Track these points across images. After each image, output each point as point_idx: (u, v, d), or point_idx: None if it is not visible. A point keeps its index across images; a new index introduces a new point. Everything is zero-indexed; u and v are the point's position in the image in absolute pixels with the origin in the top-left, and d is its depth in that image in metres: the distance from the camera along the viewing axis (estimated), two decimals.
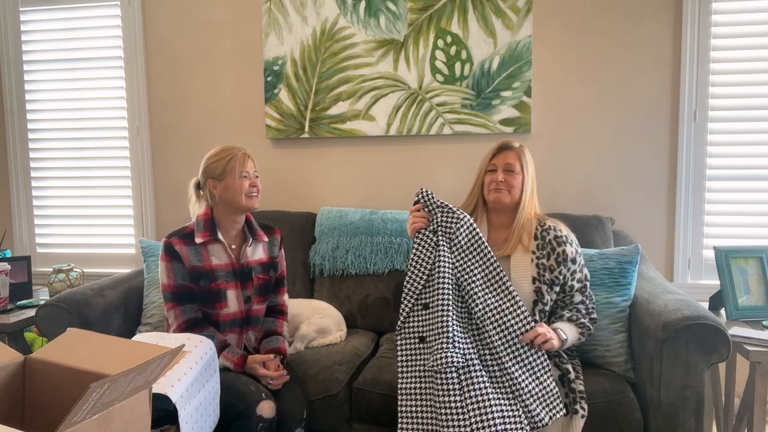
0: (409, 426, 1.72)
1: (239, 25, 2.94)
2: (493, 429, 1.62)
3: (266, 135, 2.93)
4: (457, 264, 1.86)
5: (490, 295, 1.84)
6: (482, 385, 1.69)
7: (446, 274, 1.84)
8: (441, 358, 1.71)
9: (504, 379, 1.75)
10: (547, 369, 1.79)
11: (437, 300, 1.81)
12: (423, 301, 1.86)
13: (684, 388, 1.79)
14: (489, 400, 1.67)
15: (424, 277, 1.86)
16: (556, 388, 1.78)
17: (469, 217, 1.90)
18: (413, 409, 1.74)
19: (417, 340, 1.83)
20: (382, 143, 2.87)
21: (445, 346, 1.73)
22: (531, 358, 1.78)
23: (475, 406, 1.66)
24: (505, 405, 1.69)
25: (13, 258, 2.78)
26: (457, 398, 1.67)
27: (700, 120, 2.60)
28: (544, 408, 1.73)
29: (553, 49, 2.70)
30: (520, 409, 1.70)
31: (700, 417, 1.80)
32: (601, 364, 2.04)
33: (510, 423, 1.66)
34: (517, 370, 1.75)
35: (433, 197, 1.92)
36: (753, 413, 1.92)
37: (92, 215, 3.20)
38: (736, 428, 2.15)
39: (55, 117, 3.18)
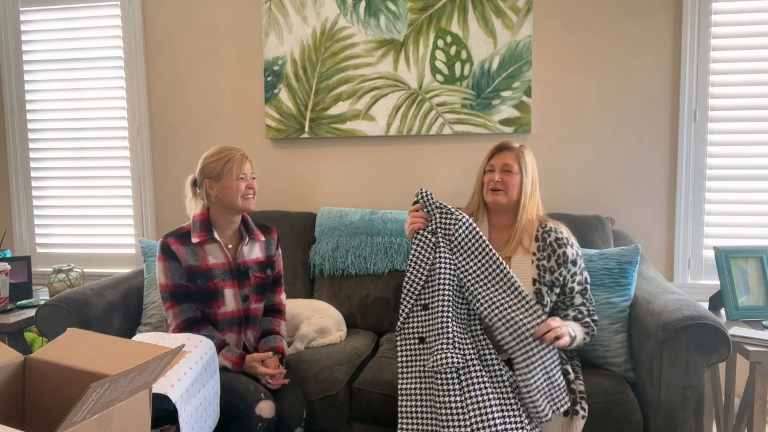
0: (410, 426, 1.72)
1: (239, 25, 2.94)
2: (493, 429, 1.62)
3: (266, 135, 2.93)
4: (458, 266, 1.85)
5: (496, 294, 1.82)
6: (482, 386, 1.69)
7: (445, 276, 1.83)
8: (441, 359, 1.71)
9: (509, 375, 1.75)
10: (557, 364, 1.78)
11: (437, 301, 1.81)
12: (422, 302, 1.85)
13: (684, 388, 1.79)
14: (489, 400, 1.67)
15: (423, 278, 1.85)
16: (564, 382, 1.78)
17: (467, 217, 1.89)
18: (413, 409, 1.74)
19: (417, 341, 1.83)
20: (382, 143, 2.87)
21: (444, 347, 1.73)
22: (542, 353, 1.75)
23: (475, 406, 1.66)
24: (505, 405, 1.69)
25: (13, 258, 2.79)
26: (457, 399, 1.67)
27: (700, 120, 2.60)
28: (548, 403, 1.73)
29: (553, 49, 2.70)
30: (521, 409, 1.70)
31: (700, 417, 1.80)
32: (601, 364, 2.04)
33: (510, 423, 1.66)
34: (528, 366, 1.72)
35: (432, 198, 1.91)
36: (753, 413, 1.92)
37: (92, 215, 3.20)
38: (736, 428, 2.15)
39: (55, 117, 3.18)
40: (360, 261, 2.56)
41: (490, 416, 1.64)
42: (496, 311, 1.79)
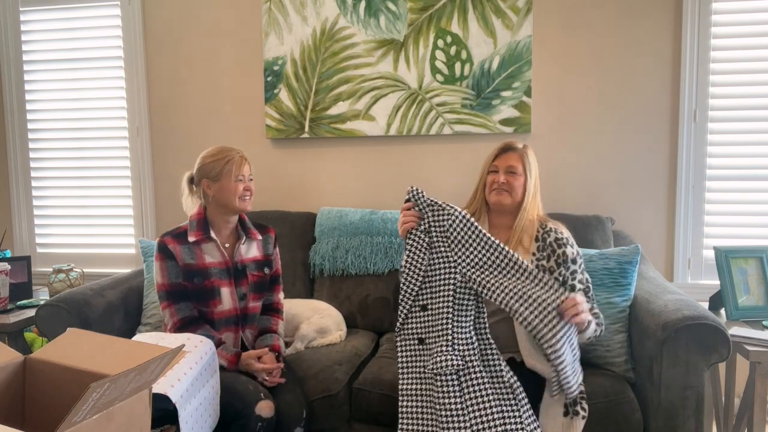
0: (410, 427, 1.72)
1: (239, 25, 2.94)
2: (493, 431, 1.62)
3: (266, 135, 2.93)
4: (459, 260, 1.82)
5: (504, 278, 1.78)
6: (482, 387, 1.69)
7: (444, 276, 1.81)
8: (440, 361, 1.70)
9: (510, 375, 1.74)
10: (574, 332, 1.75)
11: (436, 302, 1.80)
12: (421, 303, 1.84)
13: (684, 388, 1.79)
14: (489, 401, 1.67)
15: (419, 278, 1.83)
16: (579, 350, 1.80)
17: (459, 210, 1.86)
18: (414, 410, 1.74)
19: (416, 342, 1.83)
20: (382, 143, 2.87)
21: (444, 349, 1.72)
22: (566, 326, 1.71)
23: (475, 407, 1.66)
24: (505, 406, 1.69)
25: (13, 258, 2.79)
26: (457, 401, 1.67)
27: (700, 120, 2.60)
28: (574, 376, 1.72)
29: (553, 49, 2.70)
30: (520, 410, 1.70)
31: (700, 417, 1.80)
32: (601, 364, 2.04)
33: (510, 425, 1.65)
34: (558, 341, 1.67)
35: (423, 195, 1.87)
36: (753, 413, 1.92)
37: (92, 215, 3.20)
38: (736, 428, 2.15)
39: (55, 117, 3.18)
40: (360, 261, 2.56)
41: (489, 417, 1.64)
42: (511, 294, 1.74)
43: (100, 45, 3.10)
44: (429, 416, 1.72)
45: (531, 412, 1.73)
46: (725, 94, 2.59)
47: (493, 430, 1.62)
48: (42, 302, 2.28)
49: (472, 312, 1.81)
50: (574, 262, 1.92)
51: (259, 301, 2.09)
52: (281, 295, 2.20)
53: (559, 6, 2.68)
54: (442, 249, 1.84)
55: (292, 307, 2.35)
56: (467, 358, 1.73)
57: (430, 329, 1.79)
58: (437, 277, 1.82)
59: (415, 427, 1.72)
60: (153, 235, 3.10)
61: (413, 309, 1.85)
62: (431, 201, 1.86)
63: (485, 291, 1.77)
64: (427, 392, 1.74)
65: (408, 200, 1.88)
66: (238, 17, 2.94)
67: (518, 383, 1.74)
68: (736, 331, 1.97)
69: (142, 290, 2.44)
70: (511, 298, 1.74)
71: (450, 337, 1.74)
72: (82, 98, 3.14)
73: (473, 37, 2.70)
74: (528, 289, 1.74)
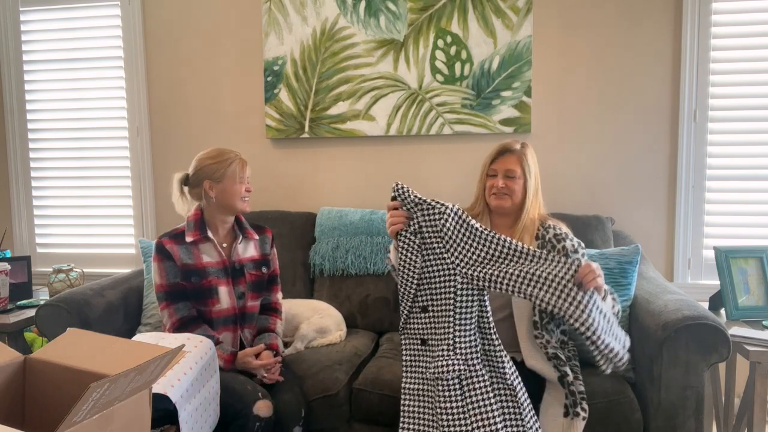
0: (411, 427, 1.72)
1: (239, 25, 2.94)
2: None
3: (266, 135, 2.93)
4: (459, 262, 1.77)
5: (509, 266, 1.70)
6: (484, 391, 1.68)
7: (444, 278, 1.77)
8: (442, 366, 1.69)
9: (515, 377, 1.72)
10: (600, 297, 1.67)
11: (437, 304, 1.77)
12: (421, 304, 1.81)
13: (684, 388, 1.79)
14: (491, 405, 1.66)
15: (415, 280, 1.78)
16: (619, 309, 1.77)
17: (451, 206, 1.75)
18: (415, 409, 1.74)
19: (419, 342, 1.82)
20: (382, 143, 2.87)
21: (446, 353, 1.71)
22: (587, 294, 1.61)
23: (476, 411, 1.65)
24: (506, 410, 1.68)
25: (13, 258, 2.79)
26: (458, 405, 1.66)
27: (700, 120, 2.60)
28: (617, 342, 1.65)
29: (553, 49, 2.70)
30: (522, 413, 1.69)
31: (700, 417, 1.80)
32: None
33: (512, 427, 1.65)
34: (585, 311, 1.59)
35: (409, 193, 1.75)
36: (753, 413, 1.92)
37: (92, 215, 3.20)
38: (736, 428, 2.15)
39: (55, 117, 3.18)
40: (360, 261, 2.56)
41: (491, 421, 1.63)
42: (521, 279, 1.67)
43: (100, 45, 3.10)
44: (430, 417, 1.71)
45: (533, 413, 1.72)
46: (725, 94, 2.59)
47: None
48: (42, 302, 2.28)
49: (476, 312, 1.79)
50: (575, 252, 1.90)
51: (258, 300, 2.10)
52: (279, 295, 2.21)
53: (559, 6, 2.68)
54: (438, 250, 1.77)
55: (292, 307, 2.35)
56: (470, 361, 1.72)
57: (433, 331, 1.78)
58: (436, 279, 1.78)
59: (416, 427, 1.71)
60: (153, 235, 3.10)
61: (414, 310, 1.84)
62: (419, 199, 1.75)
63: (494, 285, 1.70)
64: (429, 393, 1.74)
65: (394, 198, 1.77)
66: (238, 17, 2.94)
67: (521, 384, 1.73)
68: (736, 331, 1.97)
69: (142, 290, 2.44)
70: (522, 283, 1.66)
71: (452, 341, 1.72)
72: (82, 98, 3.14)
73: (473, 37, 2.70)
74: (537, 270, 1.66)
